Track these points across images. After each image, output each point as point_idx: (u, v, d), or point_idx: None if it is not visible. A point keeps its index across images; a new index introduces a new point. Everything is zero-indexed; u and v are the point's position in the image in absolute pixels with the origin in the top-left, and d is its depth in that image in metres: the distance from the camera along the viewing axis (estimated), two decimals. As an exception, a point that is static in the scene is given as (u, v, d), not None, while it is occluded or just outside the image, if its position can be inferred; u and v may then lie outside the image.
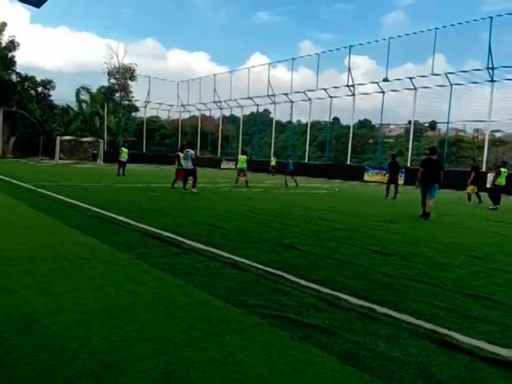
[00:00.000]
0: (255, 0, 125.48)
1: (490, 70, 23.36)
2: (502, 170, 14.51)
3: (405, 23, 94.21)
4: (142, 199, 10.75)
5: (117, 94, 48.45)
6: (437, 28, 25.29)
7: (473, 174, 15.77)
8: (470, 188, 16.02)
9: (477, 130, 39.08)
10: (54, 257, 4.54)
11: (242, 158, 18.25)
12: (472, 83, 25.57)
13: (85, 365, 2.27)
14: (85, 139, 41.21)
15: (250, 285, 3.90)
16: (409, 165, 27.65)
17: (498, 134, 36.61)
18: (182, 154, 14.21)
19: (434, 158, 10.19)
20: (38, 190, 11.31)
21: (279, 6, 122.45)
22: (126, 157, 20.45)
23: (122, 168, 20.06)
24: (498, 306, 3.66)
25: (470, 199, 15.98)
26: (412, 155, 28.10)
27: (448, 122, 26.87)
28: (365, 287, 4.01)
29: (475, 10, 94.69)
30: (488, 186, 14.62)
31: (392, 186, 15.65)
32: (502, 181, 14.41)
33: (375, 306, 3.43)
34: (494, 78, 23.54)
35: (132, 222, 6.90)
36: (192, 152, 13.72)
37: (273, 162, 30.82)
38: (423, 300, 3.71)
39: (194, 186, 13.41)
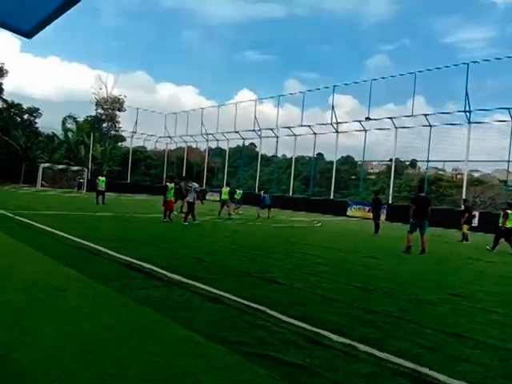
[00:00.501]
0: (243, 39, 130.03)
1: (467, 113, 24.44)
2: (510, 212, 13.50)
3: (387, 66, 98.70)
4: (124, 229, 10.58)
5: (104, 124, 48.70)
6: (417, 72, 26.57)
7: (466, 214, 15.68)
8: (466, 227, 15.76)
9: (455, 170, 40.30)
10: (28, 287, 4.38)
11: (225, 190, 18.39)
12: (450, 124, 26.66)
13: (54, 404, 2.15)
14: (72, 168, 40.79)
15: (232, 320, 3.82)
16: (390, 201, 28.12)
17: (475, 174, 37.80)
18: (170, 185, 14.16)
19: (423, 195, 10.68)
20: (16, 217, 11.03)
21: (266, 46, 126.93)
22: (104, 185, 20.54)
23: (100, 197, 20.11)
24: (479, 345, 3.66)
25: (467, 239, 15.64)
26: (393, 192, 28.64)
27: (428, 161, 27.68)
28: (347, 324, 3.98)
29: (453, 56, 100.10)
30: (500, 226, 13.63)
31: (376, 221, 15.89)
32: (511, 223, 13.37)
33: (357, 344, 3.39)
34: (471, 120, 24.60)
35: (111, 253, 6.76)
36: (196, 185, 14.17)
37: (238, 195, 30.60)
38: (405, 338, 3.68)
39: (185, 219, 13.37)
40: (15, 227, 9.34)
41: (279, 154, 47.09)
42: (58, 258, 6.09)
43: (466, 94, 24.23)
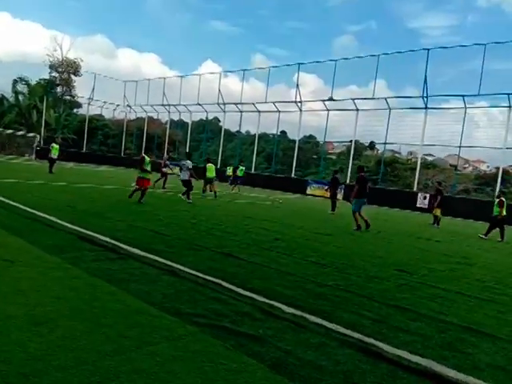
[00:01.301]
0: (210, 8, 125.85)
1: (425, 98, 25.30)
2: (504, 200, 13.03)
3: (354, 46, 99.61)
4: (79, 200, 10.21)
5: (58, 89, 45.85)
6: (379, 54, 26.96)
7: (439, 196, 15.30)
8: (438, 210, 15.28)
9: (411, 153, 41.89)
10: (-29, 258, 4.16)
11: (210, 166, 16.69)
12: (408, 108, 27.54)
13: (-2, 375, 2.09)
14: (19, 133, 38.37)
15: (187, 293, 3.84)
16: (348, 181, 28.94)
17: (429, 158, 39.55)
18: (148, 159, 11.97)
19: (363, 174, 11.42)
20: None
21: (234, 17, 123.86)
22: (57, 153, 19.70)
23: (55, 165, 19.42)
24: (420, 317, 3.92)
25: (438, 223, 15.20)
26: (351, 172, 29.45)
27: (385, 143, 28.60)
28: (299, 296, 4.12)
29: (416, 41, 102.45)
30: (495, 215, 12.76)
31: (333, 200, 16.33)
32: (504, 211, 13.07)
33: (307, 315, 3.53)
34: (428, 106, 25.51)
35: (65, 224, 6.52)
36: (189, 163, 13.88)
37: (229, 172, 30.34)
38: (353, 310, 3.88)
39: (188, 197, 13.22)
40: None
41: (243, 130, 46.80)
42: (7, 227, 5.80)
43: (425, 79, 25.00)
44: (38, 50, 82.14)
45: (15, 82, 43.67)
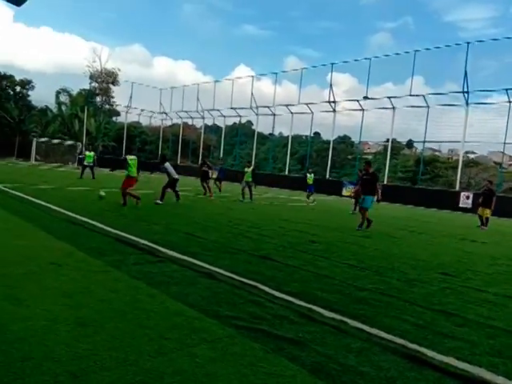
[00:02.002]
0: (241, 13, 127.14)
1: (466, 94, 24.27)
2: None
3: (390, 44, 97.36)
4: (118, 205, 10.55)
5: (98, 98, 47.87)
6: (416, 50, 26.17)
7: (494, 197, 14.21)
8: (487, 211, 14.20)
9: (451, 151, 40.37)
10: (23, 261, 4.39)
11: (248, 170, 16.38)
12: (448, 105, 26.50)
13: (48, 373, 2.18)
14: (67, 143, 40.28)
15: (225, 295, 3.86)
16: (385, 182, 28.21)
17: (471, 156, 37.89)
18: (130, 160, 11.64)
19: (372, 171, 10.91)
20: (10, 191, 10.96)
21: (265, 20, 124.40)
22: (91, 160, 20.79)
23: (89, 171, 20.45)
24: (467, 323, 3.74)
25: (486, 224, 14.22)
26: (389, 172, 28.70)
27: (424, 142, 27.66)
28: (338, 300, 4.04)
29: (455, 35, 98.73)
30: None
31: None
32: None
33: (348, 320, 3.45)
34: (469, 102, 24.46)
35: (106, 228, 6.76)
36: (168, 164, 13.15)
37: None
38: (395, 315, 3.76)
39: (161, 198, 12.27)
40: (10, 201, 9.29)
41: (276, 132, 46.84)
42: (53, 232, 6.09)
43: (465, 74, 24.02)
44: (78, 61, 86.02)
45: (58, 93, 46.06)
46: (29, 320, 2.86)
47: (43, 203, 9.12)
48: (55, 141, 39.70)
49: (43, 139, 39.44)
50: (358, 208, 15.05)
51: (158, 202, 11.75)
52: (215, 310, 3.40)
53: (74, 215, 7.78)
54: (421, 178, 29.56)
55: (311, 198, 20.45)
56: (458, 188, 24.92)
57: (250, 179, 16.27)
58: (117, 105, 47.88)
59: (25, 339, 2.56)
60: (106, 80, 47.62)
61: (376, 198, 10.70)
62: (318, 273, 5.15)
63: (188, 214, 10.03)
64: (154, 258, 5.06)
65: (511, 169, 39.61)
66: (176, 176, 13.01)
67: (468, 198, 22.92)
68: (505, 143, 23.54)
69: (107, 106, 48.73)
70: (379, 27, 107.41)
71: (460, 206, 22.91)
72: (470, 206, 22.51)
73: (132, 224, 7.59)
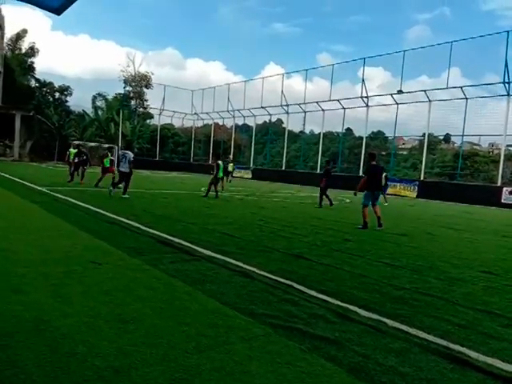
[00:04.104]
0: (271, 12, 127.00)
1: (507, 84, 23.11)
2: None
3: (428, 36, 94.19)
4: (153, 205, 10.83)
5: (132, 102, 49.28)
6: (452, 41, 25.18)
7: None
8: None
9: (492, 145, 38.59)
10: (65, 260, 4.59)
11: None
12: (488, 97, 25.36)
13: (93, 368, 2.27)
14: (104, 145, 41.67)
15: (260, 294, 3.88)
16: (422, 178, 27.35)
17: (513, 149, 36.04)
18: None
19: (374, 163, 9.85)
20: (52, 193, 11.48)
21: (295, 18, 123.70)
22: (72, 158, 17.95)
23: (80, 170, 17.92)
24: (513, 323, 3.57)
25: None
26: (426, 168, 27.79)
27: (463, 135, 26.56)
28: (375, 300, 3.96)
29: (493, 24, 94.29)
30: None
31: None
32: None
33: (386, 320, 3.38)
34: (511, 92, 23.26)
35: (143, 228, 6.95)
36: (131, 155, 12.72)
37: (230, 168, 29.02)
38: (435, 315, 3.64)
39: (124, 191, 12.37)
40: (51, 202, 9.73)
41: (307, 130, 46.51)
42: (92, 232, 6.32)
43: (506, 64, 22.86)
44: (113, 66, 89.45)
45: (94, 97, 47.76)
46: (72, 317, 2.99)
47: (85, 205, 9.49)
48: (92, 144, 41.20)
49: (81, 142, 40.96)
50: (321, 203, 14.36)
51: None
52: (250, 309, 3.42)
53: (111, 215, 8.05)
54: (460, 173, 28.44)
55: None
56: (499, 183, 23.78)
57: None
58: (150, 107, 49.14)
59: (69, 335, 2.68)
60: (139, 84, 48.96)
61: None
62: (352, 271, 5.07)
63: (221, 214, 10.13)
64: (189, 257, 5.15)
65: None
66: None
67: (511, 193, 21.83)
68: (551, 134, 22.25)
69: (141, 109, 50.08)
70: (414, 19, 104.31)
71: (503, 201, 21.85)
72: (512, 201, 21.45)
73: (168, 224, 7.75)
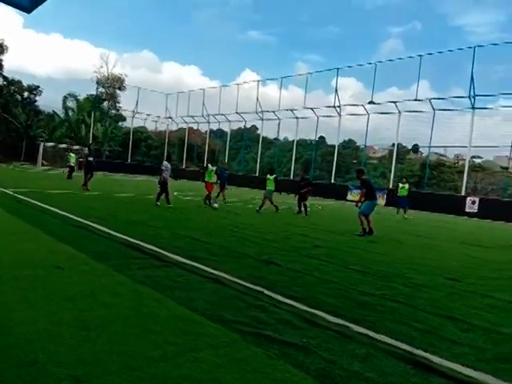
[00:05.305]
0: (247, 19, 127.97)
1: (472, 98, 24.15)
2: None
3: (400, 50, 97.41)
4: (123, 209, 10.60)
5: (105, 103, 48.24)
6: (421, 55, 26.12)
7: None
8: None
9: (457, 156, 40.09)
10: (29, 264, 4.41)
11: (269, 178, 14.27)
12: (454, 110, 26.39)
13: (53, 377, 2.19)
14: (75, 147, 40.55)
15: (230, 300, 3.86)
16: (391, 186, 28.09)
17: (477, 160, 37.63)
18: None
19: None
20: (17, 195, 11.04)
21: (271, 26, 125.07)
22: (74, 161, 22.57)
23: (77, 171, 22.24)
24: (473, 328, 3.70)
25: None
26: (394, 177, 28.57)
27: (430, 146, 27.54)
28: (343, 305, 4.02)
29: (463, 39, 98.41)
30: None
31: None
32: None
33: (352, 325, 3.43)
34: (475, 106, 24.32)
35: (111, 232, 6.79)
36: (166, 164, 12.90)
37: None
38: (400, 320, 3.73)
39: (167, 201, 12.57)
40: (15, 205, 9.36)
41: (281, 137, 46.90)
42: (58, 235, 6.11)
43: (472, 78, 23.89)
44: (86, 67, 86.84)
45: (65, 98, 46.42)
46: (34, 323, 2.87)
47: (50, 208, 9.17)
48: (62, 145, 40.00)
49: (50, 144, 39.75)
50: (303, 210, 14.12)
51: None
52: (220, 315, 3.40)
53: (78, 219, 7.82)
54: (427, 182, 29.39)
55: (402, 212, 17.75)
56: (463, 193, 24.73)
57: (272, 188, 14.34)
58: (123, 110, 48.24)
59: (30, 342, 2.57)
60: (112, 85, 48.01)
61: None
62: (321, 277, 5.13)
63: (193, 220, 10.04)
64: (159, 263, 5.07)
65: (518, 173, 39.28)
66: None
67: (474, 202, 22.74)
68: (511, 147, 23.37)
69: (113, 111, 49.08)
70: (388, 32, 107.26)
71: (466, 210, 22.72)
72: (475, 210, 22.33)
73: (136, 229, 7.61)
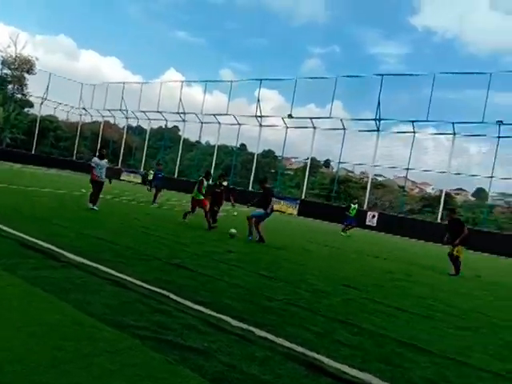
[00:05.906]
0: (177, 18, 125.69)
1: (378, 121, 26.54)
2: None
3: (321, 69, 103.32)
4: (24, 204, 9.65)
5: (9, 86, 43.51)
6: (337, 77, 28.11)
7: (465, 230, 10.04)
8: (458, 249, 9.94)
9: (363, 173, 43.53)
10: None
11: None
12: (363, 131, 28.74)
13: None
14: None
15: (132, 304, 3.72)
16: (303, 197, 29.52)
17: (379, 178, 41.31)
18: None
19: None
20: None
21: (200, 29, 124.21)
22: None
23: None
24: (362, 332, 4.04)
25: (458, 264, 9.88)
26: (307, 188, 30.10)
27: (339, 162, 29.67)
28: (248, 310, 4.11)
29: (375, 67, 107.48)
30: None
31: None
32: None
33: (254, 329, 3.53)
34: (380, 129, 26.77)
35: (6, 229, 6.13)
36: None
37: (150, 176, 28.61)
38: (299, 324, 3.93)
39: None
40: None
41: (203, 141, 46.62)
42: None
43: (378, 103, 26.27)
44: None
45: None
46: None
47: None
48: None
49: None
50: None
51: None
52: (119, 320, 3.25)
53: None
54: (335, 195, 31.46)
55: (349, 229, 18.26)
56: (365, 207, 26.92)
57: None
58: (31, 95, 43.96)
59: None
60: (20, 68, 43.52)
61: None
62: (231, 282, 5.19)
63: (103, 220, 9.50)
64: (57, 263, 4.70)
65: (413, 193, 43.92)
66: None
67: (374, 217, 24.88)
68: (408, 169, 26.13)
69: (19, 96, 44.46)
70: (309, 51, 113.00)
71: (366, 223, 24.73)
72: (374, 224, 24.45)
73: (38, 227, 6.97)
